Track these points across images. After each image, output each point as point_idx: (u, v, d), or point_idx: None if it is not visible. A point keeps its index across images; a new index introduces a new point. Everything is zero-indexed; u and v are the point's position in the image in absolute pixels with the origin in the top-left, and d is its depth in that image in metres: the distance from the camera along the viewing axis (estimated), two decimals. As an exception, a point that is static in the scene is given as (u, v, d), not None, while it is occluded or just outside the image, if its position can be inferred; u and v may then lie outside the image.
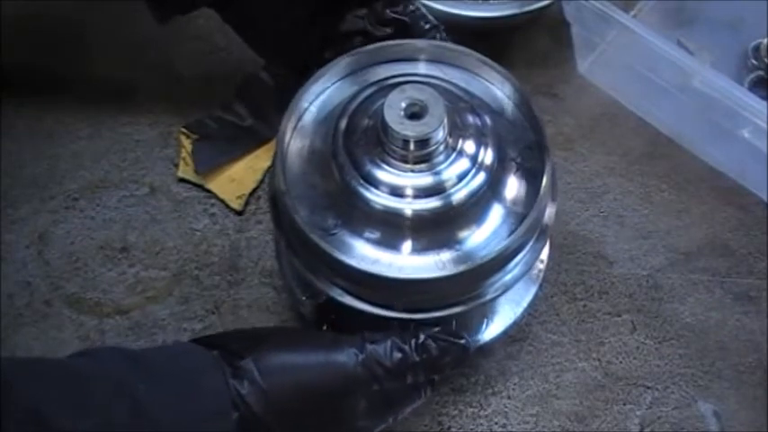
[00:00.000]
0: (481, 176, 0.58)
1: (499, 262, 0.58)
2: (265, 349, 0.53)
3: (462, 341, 0.56)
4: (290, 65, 0.73)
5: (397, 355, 0.54)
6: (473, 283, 0.58)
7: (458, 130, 0.59)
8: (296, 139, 0.62)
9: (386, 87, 0.60)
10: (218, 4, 0.71)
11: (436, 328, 0.56)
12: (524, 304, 0.67)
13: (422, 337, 0.55)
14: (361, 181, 0.58)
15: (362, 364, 0.53)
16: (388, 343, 0.54)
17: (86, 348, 0.52)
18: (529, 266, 0.60)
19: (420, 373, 0.55)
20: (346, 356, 0.53)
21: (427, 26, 0.68)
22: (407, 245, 0.58)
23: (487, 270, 0.57)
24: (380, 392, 0.54)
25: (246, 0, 0.70)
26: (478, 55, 0.64)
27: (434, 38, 0.67)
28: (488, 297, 0.59)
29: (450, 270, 0.56)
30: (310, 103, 0.63)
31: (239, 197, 0.77)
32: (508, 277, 0.59)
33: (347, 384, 0.53)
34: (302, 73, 0.64)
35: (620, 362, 0.71)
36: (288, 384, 0.52)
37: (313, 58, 0.65)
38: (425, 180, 0.58)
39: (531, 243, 0.60)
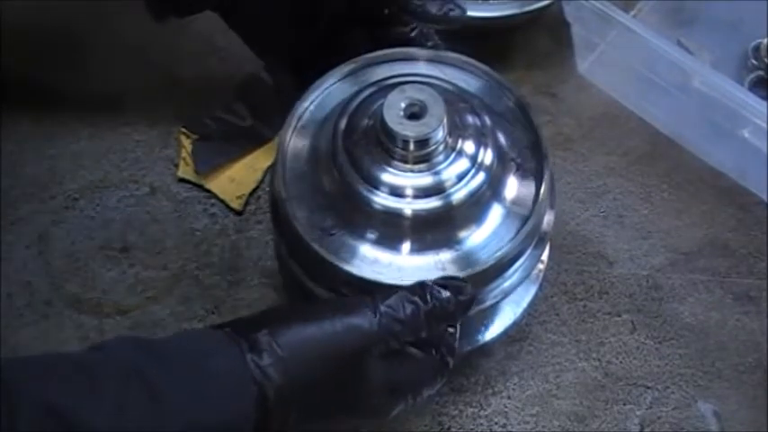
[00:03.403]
0: (481, 176, 0.58)
1: (497, 269, 0.58)
2: (280, 321, 0.52)
3: (466, 283, 0.56)
4: (292, 69, 0.73)
5: (410, 306, 0.54)
6: (471, 289, 0.58)
7: (457, 131, 0.59)
8: (296, 139, 0.62)
9: (385, 87, 0.60)
10: (222, 9, 0.71)
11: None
12: (524, 305, 0.67)
13: (428, 285, 0.55)
14: (361, 181, 0.58)
15: (379, 323, 0.53)
16: (399, 298, 0.54)
17: (95, 344, 0.52)
18: (527, 273, 0.60)
19: (433, 322, 0.54)
20: (362, 318, 0.53)
21: (429, 44, 0.68)
22: (407, 245, 0.58)
23: (486, 277, 0.58)
24: (399, 358, 0.54)
25: (253, 6, 0.70)
26: (480, 64, 0.64)
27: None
28: (487, 303, 0.59)
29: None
30: (311, 103, 0.63)
31: (239, 197, 0.77)
32: (507, 284, 0.59)
33: (366, 345, 0.53)
34: (303, 77, 0.64)
35: (620, 362, 0.71)
36: (308, 352, 0.51)
37: (316, 64, 0.65)
38: (425, 180, 0.58)
39: (529, 250, 0.60)
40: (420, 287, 0.54)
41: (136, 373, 0.47)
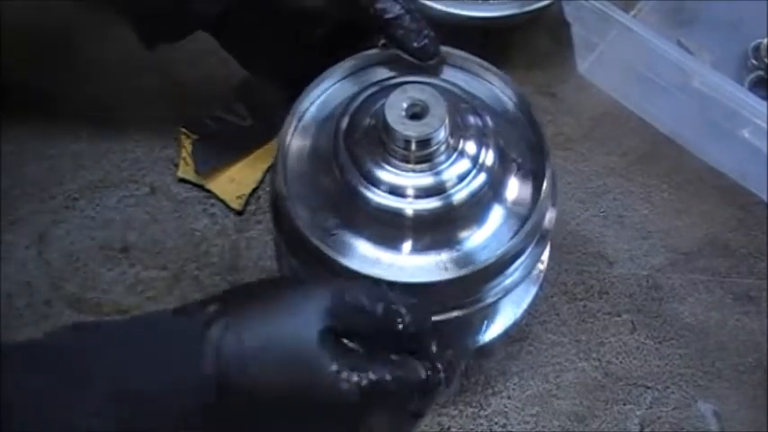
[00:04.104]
0: (482, 177, 0.58)
1: (499, 266, 0.58)
2: (234, 295, 0.52)
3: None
4: (285, 86, 0.72)
5: (361, 290, 0.51)
6: (473, 287, 0.58)
7: (459, 131, 0.59)
8: (297, 138, 0.62)
9: (387, 87, 0.60)
10: (212, 29, 0.71)
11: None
12: (525, 305, 0.67)
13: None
14: (362, 180, 0.58)
15: (332, 299, 0.50)
16: (350, 281, 0.53)
17: (45, 332, 0.51)
18: (528, 271, 0.60)
19: (376, 304, 0.51)
20: (317, 289, 0.50)
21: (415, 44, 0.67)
22: (408, 245, 0.58)
23: (487, 274, 0.57)
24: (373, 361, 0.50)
25: (246, 27, 0.69)
26: (479, 60, 0.64)
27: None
28: (488, 301, 0.59)
29: (449, 274, 0.56)
30: (311, 103, 0.63)
31: (239, 197, 0.77)
32: (508, 281, 0.59)
33: (320, 317, 0.49)
34: (296, 92, 0.64)
35: (620, 362, 0.71)
36: (263, 333, 0.49)
37: (308, 78, 0.65)
38: (426, 180, 0.58)
39: (530, 248, 0.60)
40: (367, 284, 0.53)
41: (95, 359, 0.47)
